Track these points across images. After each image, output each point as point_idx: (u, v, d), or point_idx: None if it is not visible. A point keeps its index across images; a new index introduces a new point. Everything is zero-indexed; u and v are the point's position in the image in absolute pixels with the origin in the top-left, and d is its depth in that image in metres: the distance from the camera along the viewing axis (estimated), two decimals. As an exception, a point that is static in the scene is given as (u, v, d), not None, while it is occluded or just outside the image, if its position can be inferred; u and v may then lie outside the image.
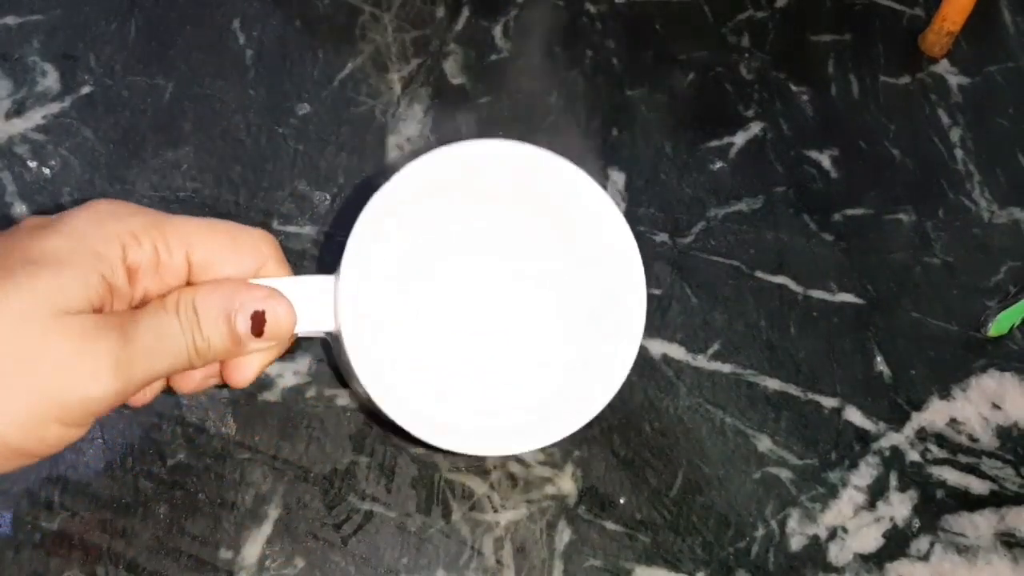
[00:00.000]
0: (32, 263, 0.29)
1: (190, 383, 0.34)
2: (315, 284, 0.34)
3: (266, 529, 0.42)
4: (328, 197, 0.49)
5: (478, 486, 0.43)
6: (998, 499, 0.46)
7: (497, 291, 0.43)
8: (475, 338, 0.42)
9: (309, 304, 0.33)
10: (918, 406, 0.48)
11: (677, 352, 0.48)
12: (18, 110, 0.49)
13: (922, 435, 0.47)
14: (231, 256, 0.33)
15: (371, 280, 0.35)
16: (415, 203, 0.37)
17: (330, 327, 0.34)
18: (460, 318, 0.42)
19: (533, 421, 0.33)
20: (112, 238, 0.31)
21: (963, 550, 0.45)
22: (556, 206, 0.38)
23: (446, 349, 0.41)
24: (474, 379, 0.40)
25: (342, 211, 0.49)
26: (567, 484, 0.44)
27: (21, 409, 0.28)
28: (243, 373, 0.34)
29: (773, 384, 0.48)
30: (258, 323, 0.32)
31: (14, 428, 0.29)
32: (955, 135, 0.56)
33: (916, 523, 0.45)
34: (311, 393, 0.44)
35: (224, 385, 0.36)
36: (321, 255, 0.48)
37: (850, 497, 0.45)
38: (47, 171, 0.48)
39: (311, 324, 0.34)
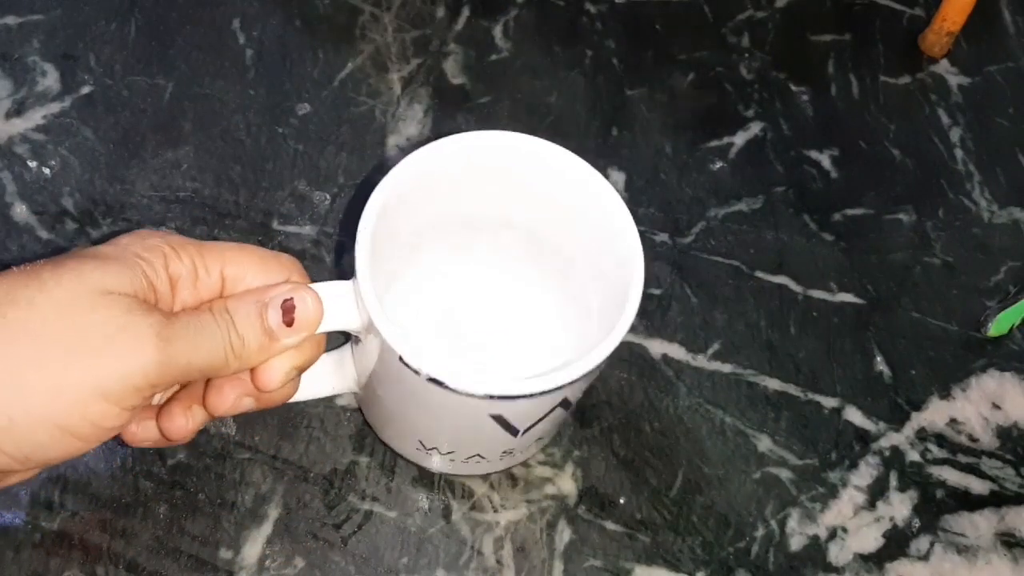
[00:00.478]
0: (81, 257, 0.31)
1: (224, 402, 0.35)
2: (335, 288, 0.35)
3: (266, 529, 0.42)
4: (328, 197, 0.49)
5: (478, 486, 0.43)
6: (998, 499, 0.46)
7: (502, 278, 0.43)
8: (484, 326, 0.43)
9: (332, 305, 0.35)
10: (918, 406, 0.48)
11: (677, 352, 0.48)
12: (18, 110, 0.49)
13: (922, 435, 0.47)
14: (260, 271, 0.35)
15: (385, 281, 0.36)
16: (417, 195, 0.37)
17: (355, 325, 0.35)
18: (469, 306, 0.43)
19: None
20: (154, 248, 0.33)
21: (963, 550, 0.45)
22: (560, 196, 0.39)
23: (458, 336, 0.42)
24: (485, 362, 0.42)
25: (342, 211, 0.49)
26: (567, 484, 0.44)
27: (65, 383, 0.29)
28: (270, 376, 0.34)
29: (773, 384, 0.48)
30: (288, 312, 0.34)
31: (59, 403, 0.29)
32: (955, 135, 0.56)
33: (916, 523, 0.45)
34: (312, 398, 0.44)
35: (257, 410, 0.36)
36: (321, 255, 0.48)
37: (850, 497, 0.45)
38: (47, 171, 0.48)
39: (337, 324, 0.35)
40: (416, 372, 0.33)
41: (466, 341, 0.43)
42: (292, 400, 0.40)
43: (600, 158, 0.50)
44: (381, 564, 0.41)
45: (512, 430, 0.37)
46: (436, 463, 0.42)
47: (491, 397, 0.33)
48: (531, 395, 0.34)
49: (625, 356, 0.47)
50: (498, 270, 0.43)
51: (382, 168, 0.37)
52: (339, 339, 0.43)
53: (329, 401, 0.44)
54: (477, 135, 0.37)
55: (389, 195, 0.35)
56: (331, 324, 0.35)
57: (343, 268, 0.48)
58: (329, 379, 0.41)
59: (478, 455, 0.40)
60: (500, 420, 0.36)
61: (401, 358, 0.33)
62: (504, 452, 0.40)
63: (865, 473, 0.46)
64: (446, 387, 0.33)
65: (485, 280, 0.44)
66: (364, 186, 0.37)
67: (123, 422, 0.31)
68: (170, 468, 0.42)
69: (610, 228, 0.37)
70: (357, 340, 0.38)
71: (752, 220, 0.52)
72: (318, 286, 0.35)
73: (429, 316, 0.43)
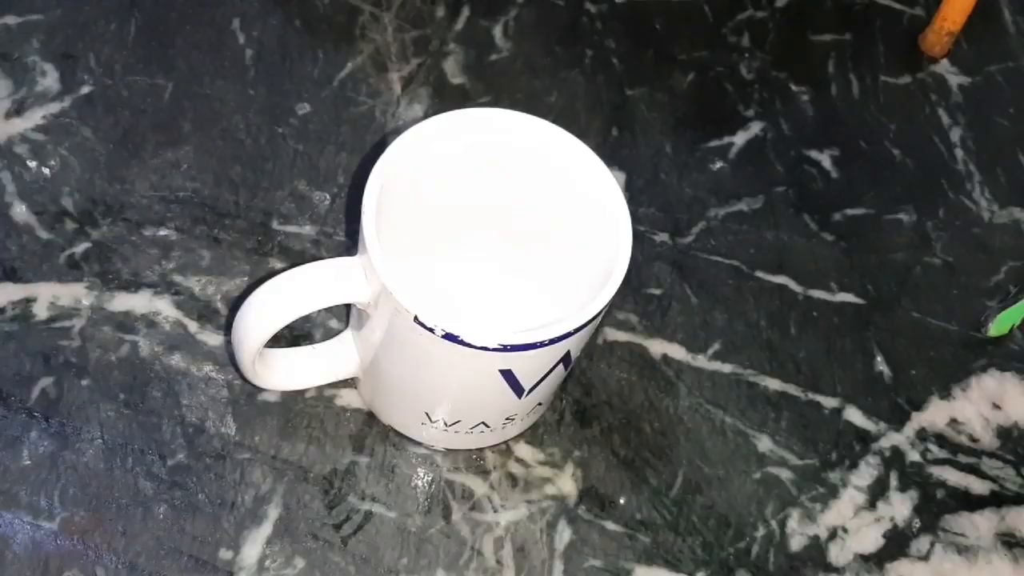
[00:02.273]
0: None
1: None
2: (343, 263, 0.37)
3: (266, 529, 0.42)
4: (328, 197, 0.49)
5: (478, 486, 0.43)
6: (998, 499, 0.46)
7: (499, 254, 0.44)
8: (473, 302, 0.44)
9: (341, 280, 0.36)
10: (918, 406, 0.48)
11: (677, 352, 0.48)
12: (18, 110, 0.49)
13: (922, 435, 0.47)
14: None
15: (389, 254, 0.37)
16: (411, 175, 0.39)
17: (365, 298, 0.36)
18: (456, 284, 0.44)
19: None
20: None
21: (963, 550, 0.45)
22: (554, 168, 0.40)
23: (461, 307, 0.44)
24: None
25: (342, 211, 0.49)
26: (567, 484, 0.44)
27: None
28: None
29: (773, 384, 0.48)
30: None
31: None
32: (955, 135, 0.56)
33: (916, 523, 0.45)
34: (311, 393, 0.44)
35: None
36: (321, 255, 0.48)
37: (850, 497, 0.45)
38: (47, 171, 0.48)
39: (347, 298, 0.36)
40: (431, 330, 0.34)
41: (474, 302, 0.45)
42: (297, 390, 0.41)
43: (600, 158, 0.50)
44: (381, 564, 0.41)
45: (518, 389, 0.38)
46: (440, 438, 0.43)
47: (504, 348, 0.34)
48: (542, 343, 0.35)
49: (625, 356, 0.47)
50: (481, 241, 0.44)
51: (382, 144, 0.38)
52: (336, 329, 0.43)
53: (329, 401, 0.44)
54: (466, 112, 0.39)
55: (389, 169, 0.37)
56: (342, 298, 0.36)
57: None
58: (331, 366, 0.42)
59: (482, 423, 0.41)
60: (508, 376, 0.37)
61: (416, 318, 0.34)
62: (507, 419, 0.41)
63: (865, 473, 0.46)
64: (461, 342, 0.34)
65: (472, 256, 0.45)
66: (362, 188, 0.38)
67: None
68: (170, 468, 0.42)
69: (596, 193, 0.39)
70: (360, 318, 0.39)
71: (752, 220, 0.52)
72: (327, 263, 0.36)
73: (437, 282, 0.44)
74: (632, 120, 0.54)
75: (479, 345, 0.34)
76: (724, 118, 0.55)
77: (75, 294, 0.45)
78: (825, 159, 0.54)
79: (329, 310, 0.46)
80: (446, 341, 0.35)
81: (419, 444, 0.44)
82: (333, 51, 0.53)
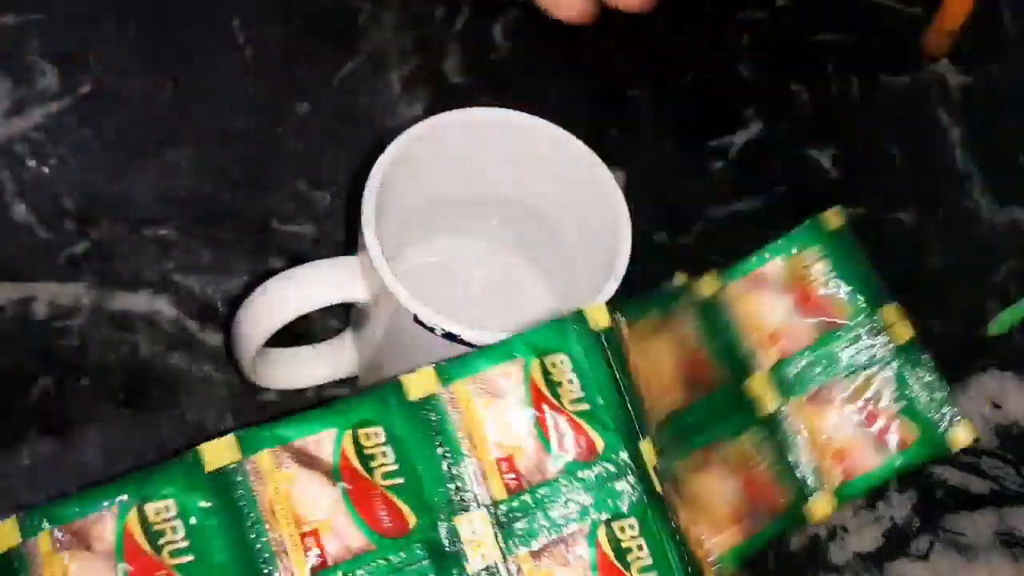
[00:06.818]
0: None
1: None
2: (341, 263, 0.37)
3: (266, 529, 0.41)
4: (328, 197, 0.49)
5: (478, 486, 0.43)
6: (998, 499, 0.46)
7: (486, 248, 0.45)
8: (470, 298, 0.45)
9: (340, 279, 0.37)
10: (918, 406, 0.48)
11: (677, 352, 0.48)
12: (17, 109, 0.49)
13: (922, 435, 0.47)
14: None
15: (389, 254, 0.37)
16: (410, 172, 0.39)
17: (364, 296, 0.37)
18: (455, 279, 0.45)
19: None
20: None
21: (963, 549, 0.45)
22: (554, 168, 0.41)
23: (461, 306, 0.44)
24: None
25: (342, 211, 0.49)
26: (567, 484, 0.44)
27: None
28: None
29: (773, 384, 0.47)
30: None
31: None
32: (955, 135, 0.56)
33: (916, 522, 0.45)
34: (311, 393, 0.44)
35: None
36: (321, 255, 0.48)
37: (850, 497, 0.45)
38: (46, 170, 0.48)
39: (345, 296, 0.37)
40: (431, 330, 0.34)
41: (469, 301, 0.45)
42: (296, 389, 0.42)
43: (600, 158, 0.50)
44: (381, 564, 0.41)
45: None
46: None
47: None
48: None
49: (625, 356, 0.47)
50: (481, 240, 0.44)
51: (382, 144, 0.38)
52: (336, 329, 0.43)
53: (329, 401, 0.44)
54: (466, 112, 0.39)
55: (389, 169, 0.37)
56: (342, 298, 0.36)
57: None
58: (331, 366, 0.42)
59: None
60: None
61: (416, 317, 0.34)
62: None
63: (865, 473, 0.46)
64: (461, 341, 0.34)
65: (469, 252, 0.45)
66: (362, 188, 0.38)
67: None
68: (170, 468, 0.42)
69: (596, 193, 0.39)
70: (360, 318, 0.39)
71: (752, 220, 0.52)
72: (326, 262, 0.36)
73: (434, 283, 0.44)
74: (632, 120, 0.54)
75: (479, 344, 0.34)
76: (724, 118, 0.55)
77: (75, 294, 0.45)
78: (825, 159, 0.54)
79: (329, 310, 0.46)
80: (446, 341, 0.35)
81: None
82: (333, 51, 0.53)
